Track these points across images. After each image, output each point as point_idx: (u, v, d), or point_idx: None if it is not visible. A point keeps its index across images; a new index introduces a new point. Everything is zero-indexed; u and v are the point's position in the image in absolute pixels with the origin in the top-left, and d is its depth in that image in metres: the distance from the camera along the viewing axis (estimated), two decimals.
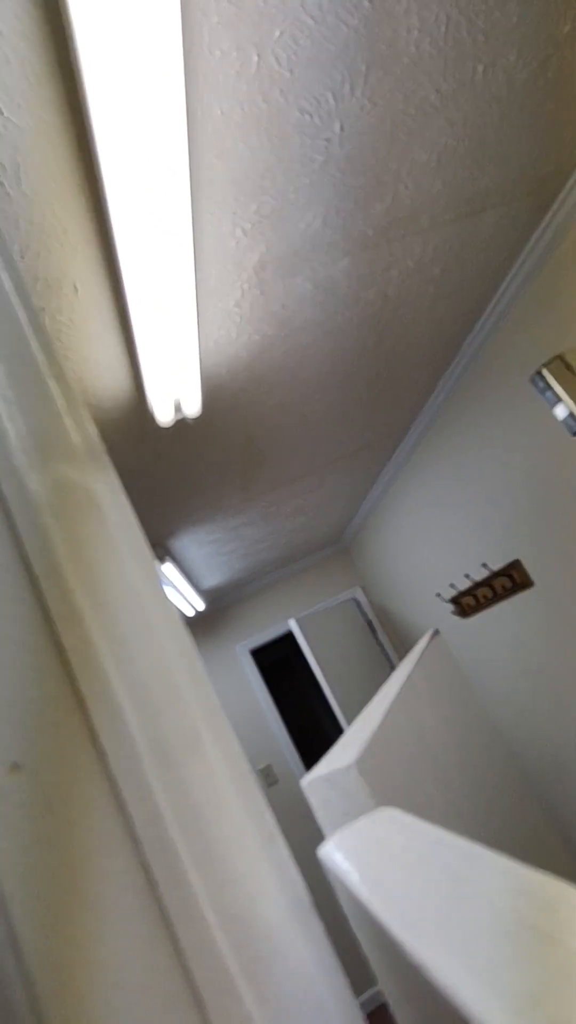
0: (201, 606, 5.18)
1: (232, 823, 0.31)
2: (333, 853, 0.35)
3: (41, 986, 0.24)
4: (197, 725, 0.32)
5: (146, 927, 0.27)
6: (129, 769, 0.29)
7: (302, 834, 4.63)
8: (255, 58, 1.21)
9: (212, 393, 2.19)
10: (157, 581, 0.36)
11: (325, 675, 4.49)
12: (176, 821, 0.29)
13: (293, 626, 4.64)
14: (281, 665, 8.16)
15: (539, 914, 0.21)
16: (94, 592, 0.32)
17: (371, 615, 5.51)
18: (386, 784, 0.50)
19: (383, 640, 5.41)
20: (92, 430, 0.39)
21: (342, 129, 1.43)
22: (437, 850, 0.30)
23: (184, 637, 0.35)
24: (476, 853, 0.28)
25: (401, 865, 0.30)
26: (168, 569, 3.66)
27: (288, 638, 7.63)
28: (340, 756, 0.52)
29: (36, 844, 0.26)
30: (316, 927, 0.32)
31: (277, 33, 1.19)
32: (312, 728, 7.64)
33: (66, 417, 0.36)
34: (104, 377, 1.83)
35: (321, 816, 0.49)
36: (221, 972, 0.28)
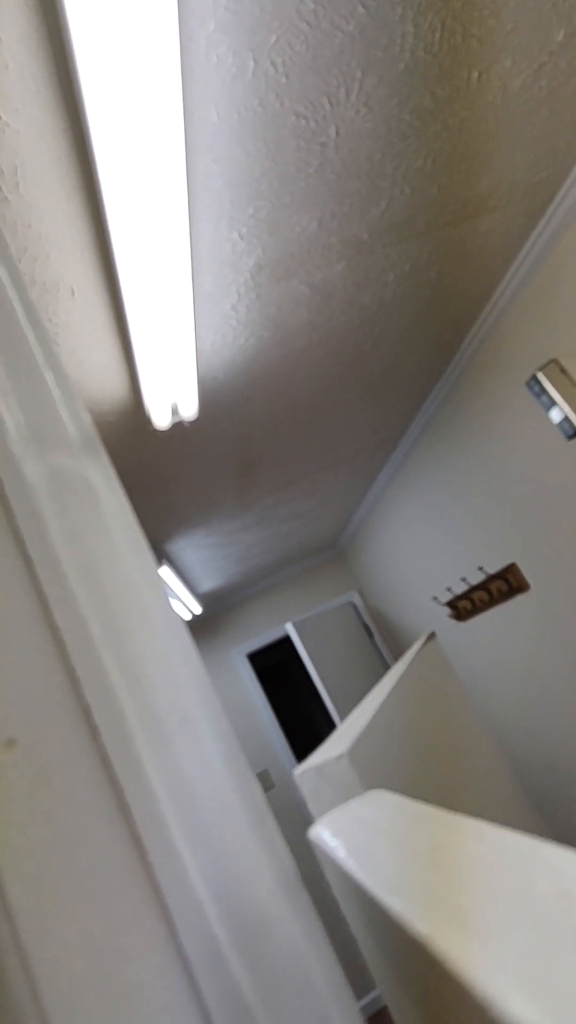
0: (198, 610, 5.18)
1: (223, 799, 0.32)
2: (322, 832, 0.36)
3: (34, 956, 0.25)
4: (188, 704, 0.34)
5: (137, 898, 0.28)
6: (121, 745, 0.31)
7: (300, 838, 4.62)
8: (251, 64, 1.22)
9: (208, 396, 2.20)
10: (150, 566, 0.37)
11: (322, 679, 4.49)
12: (167, 796, 0.30)
13: (290, 630, 4.64)
14: (278, 669, 8.15)
15: (514, 867, 0.22)
16: (88, 576, 0.33)
17: (368, 619, 5.52)
18: (377, 774, 0.51)
19: (380, 644, 5.42)
20: (87, 420, 0.40)
21: (338, 133, 1.44)
22: (422, 823, 0.31)
23: (176, 620, 0.37)
24: (457, 822, 0.29)
25: (387, 838, 0.31)
26: (165, 573, 3.66)
27: (285, 642, 7.62)
28: (332, 747, 0.53)
29: (31, 818, 0.27)
30: (305, 903, 0.33)
31: (273, 39, 1.21)
32: (309, 733, 7.62)
33: (62, 407, 0.38)
34: (101, 380, 1.84)
35: (312, 806, 0.49)
36: (210, 940, 0.28)
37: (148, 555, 0.37)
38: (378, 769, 0.51)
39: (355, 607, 5.57)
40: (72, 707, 0.31)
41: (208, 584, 4.83)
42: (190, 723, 0.33)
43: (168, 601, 0.37)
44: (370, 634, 5.45)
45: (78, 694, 0.31)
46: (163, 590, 0.37)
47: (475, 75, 1.49)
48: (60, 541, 0.33)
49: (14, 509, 0.33)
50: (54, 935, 0.25)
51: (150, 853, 0.29)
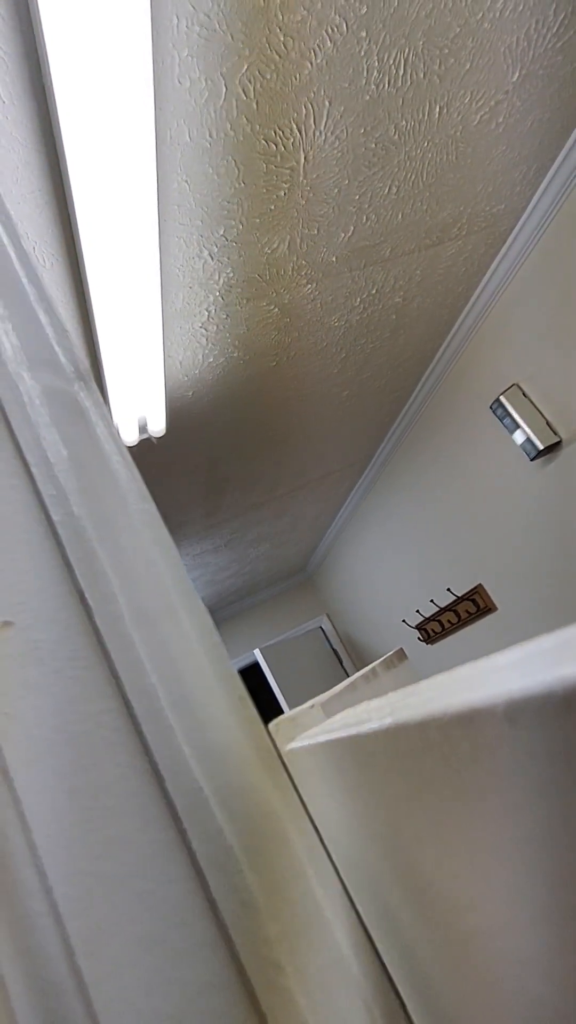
0: None
1: (204, 679, 0.34)
2: (298, 739, 0.38)
3: (28, 811, 0.25)
4: (172, 598, 0.35)
5: (127, 757, 0.29)
6: (113, 623, 0.32)
7: None
8: (223, 89, 1.27)
9: (177, 414, 2.21)
10: (135, 475, 0.38)
11: (291, 706, 4.44)
12: (154, 670, 0.31)
13: (258, 656, 4.59)
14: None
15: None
16: (80, 478, 0.35)
17: (337, 644, 5.50)
18: None
19: (349, 669, 5.40)
20: (82, 357, 0.41)
21: (306, 159, 1.49)
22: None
23: (161, 529, 0.38)
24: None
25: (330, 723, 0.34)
26: None
27: (252, 669, 7.53)
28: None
29: (25, 690, 0.28)
30: (283, 780, 0.35)
31: (245, 66, 1.25)
32: None
33: (55, 342, 0.39)
34: None
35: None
36: (196, 794, 0.29)
37: (133, 467, 0.39)
38: None
39: (324, 632, 5.56)
40: (66, 592, 0.32)
41: None
42: (174, 614, 0.35)
43: (154, 511, 0.38)
44: (339, 659, 5.43)
45: (72, 579, 0.32)
46: (147, 497, 0.38)
47: (436, 109, 1.57)
48: (53, 446, 0.34)
49: (10, 417, 0.34)
50: (45, 792, 0.26)
51: (139, 717, 0.30)
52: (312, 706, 0.46)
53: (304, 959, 0.26)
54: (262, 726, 0.36)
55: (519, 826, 0.17)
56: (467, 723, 0.17)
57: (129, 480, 0.37)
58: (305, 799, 0.35)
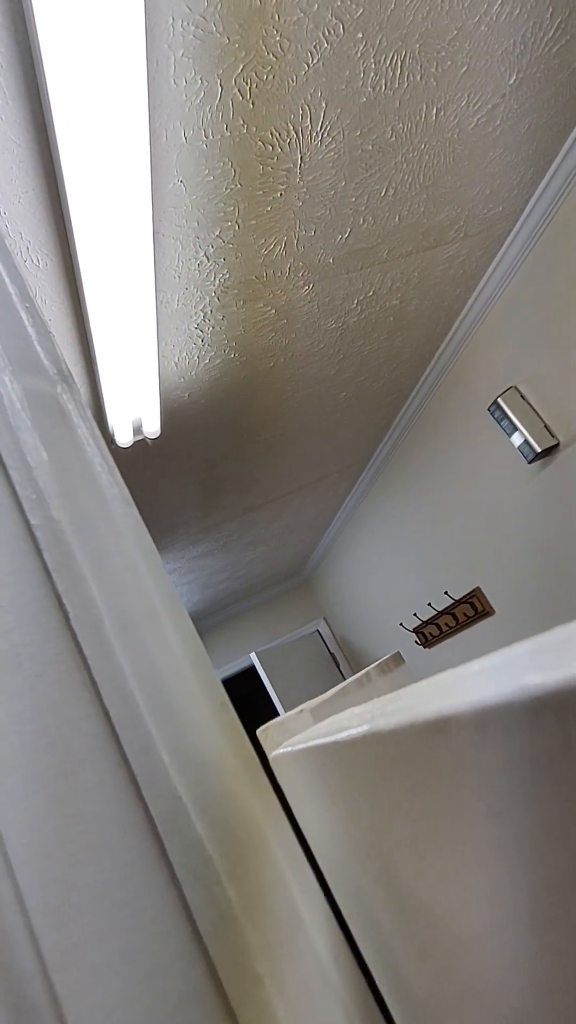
0: None
1: (186, 685, 0.33)
2: (283, 746, 0.37)
3: (3, 819, 0.25)
4: (154, 604, 0.35)
5: (106, 764, 0.28)
6: (91, 628, 0.31)
7: None
8: (219, 89, 1.26)
9: (172, 415, 2.21)
10: (118, 480, 0.38)
11: (287, 711, 4.43)
12: (134, 676, 0.31)
13: (254, 660, 4.58)
14: (242, 702, 8.02)
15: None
16: (60, 481, 0.34)
17: (334, 648, 5.50)
18: None
19: (346, 673, 5.39)
20: (64, 362, 0.41)
21: (303, 160, 1.49)
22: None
23: (143, 534, 0.38)
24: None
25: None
26: None
27: (248, 674, 7.52)
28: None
29: (3, 696, 0.27)
30: (264, 784, 0.34)
31: (240, 67, 1.25)
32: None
33: (36, 342, 0.39)
34: None
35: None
36: (174, 802, 0.29)
37: (115, 471, 0.38)
38: None
39: (321, 635, 5.55)
40: (44, 596, 0.32)
41: None
42: (156, 619, 0.35)
43: (136, 518, 0.38)
44: (336, 663, 5.42)
45: (51, 583, 0.32)
46: (130, 502, 0.38)
47: (433, 112, 1.57)
48: (33, 450, 0.34)
49: None
50: (23, 800, 0.26)
51: (118, 723, 0.29)
52: (301, 711, 0.46)
53: (283, 968, 0.26)
54: (243, 732, 0.36)
55: (496, 833, 0.16)
56: (439, 731, 0.17)
57: (111, 484, 0.37)
58: (291, 805, 0.34)
